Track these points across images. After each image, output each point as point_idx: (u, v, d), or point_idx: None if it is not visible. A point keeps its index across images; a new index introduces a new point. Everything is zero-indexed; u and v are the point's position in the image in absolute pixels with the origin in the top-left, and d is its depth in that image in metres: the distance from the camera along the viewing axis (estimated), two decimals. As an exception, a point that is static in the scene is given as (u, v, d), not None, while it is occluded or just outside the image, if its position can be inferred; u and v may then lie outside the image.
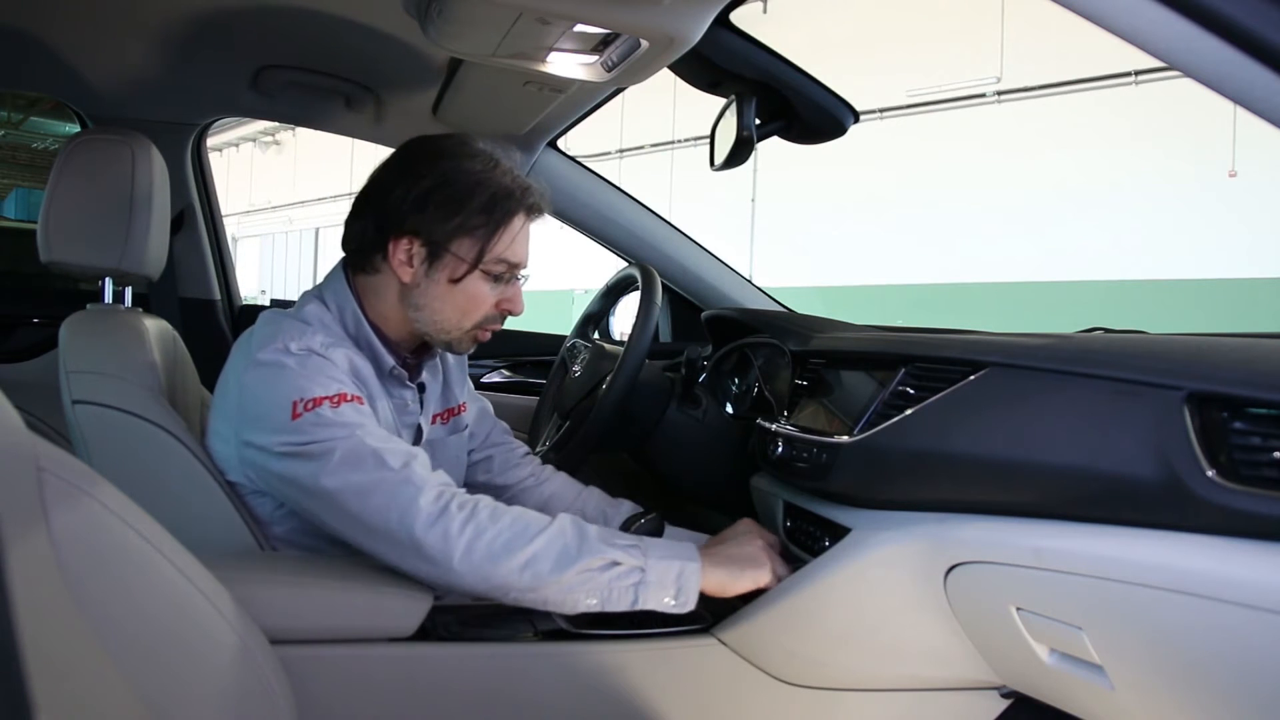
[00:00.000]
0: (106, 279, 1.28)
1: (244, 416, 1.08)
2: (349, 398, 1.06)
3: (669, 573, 1.03)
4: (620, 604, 1.02)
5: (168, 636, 0.74)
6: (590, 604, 1.01)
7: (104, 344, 1.17)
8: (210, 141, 1.90)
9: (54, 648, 0.54)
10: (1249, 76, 0.60)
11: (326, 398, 1.04)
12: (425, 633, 1.04)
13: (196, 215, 1.82)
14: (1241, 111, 0.63)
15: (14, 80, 1.74)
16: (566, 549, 1.00)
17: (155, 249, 1.25)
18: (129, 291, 1.38)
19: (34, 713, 0.41)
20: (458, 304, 1.16)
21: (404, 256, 1.14)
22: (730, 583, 1.07)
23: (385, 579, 1.03)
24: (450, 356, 1.34)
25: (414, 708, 1.02)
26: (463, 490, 1.05)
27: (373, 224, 1.16)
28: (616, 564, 1.02)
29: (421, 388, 1.27)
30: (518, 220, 1.17)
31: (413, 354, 1.25)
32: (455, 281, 1.15)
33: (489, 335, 1.22)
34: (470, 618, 1.11)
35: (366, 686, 1.00)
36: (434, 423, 1.30)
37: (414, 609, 1.02)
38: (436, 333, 1.19)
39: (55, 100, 1.73)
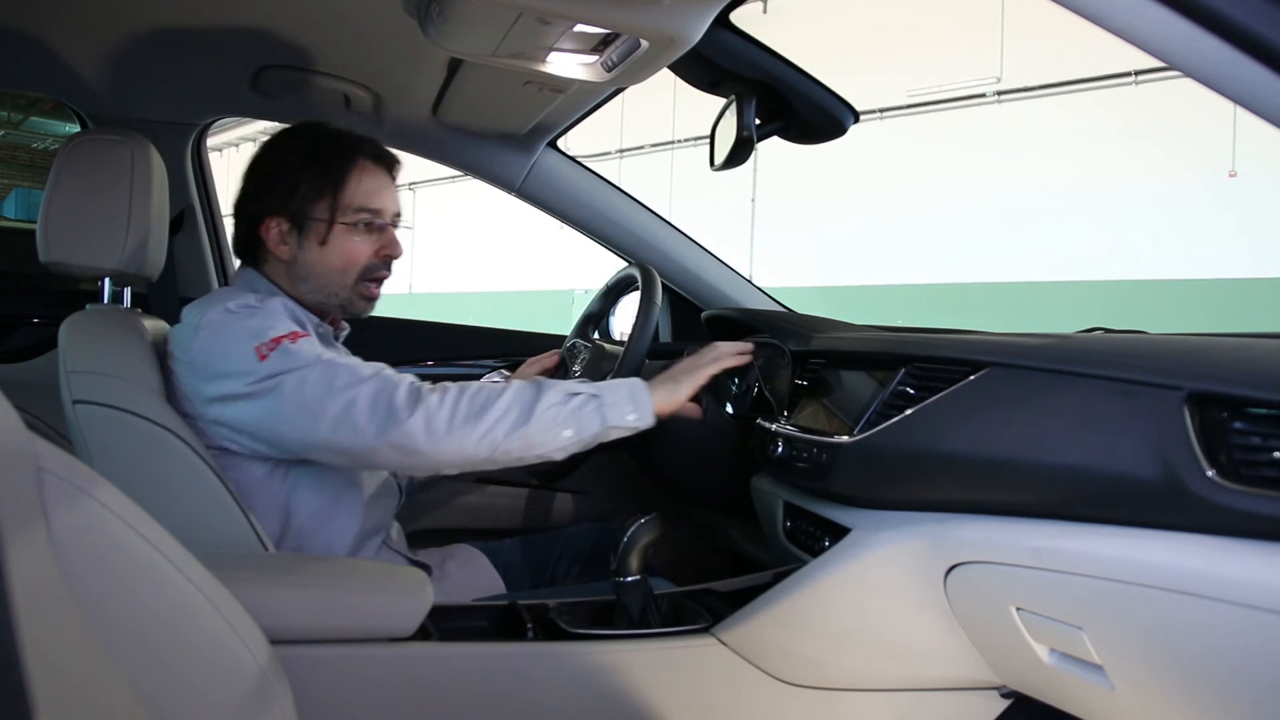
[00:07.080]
0: (105, 279, 1.28)
1: (205, 375, 1.12)
2: (302, 334, 1.12)
3: (621, 391, 1.15)
4: (590, 427, 1.11)
5: (168, 636, 0.74)
6: (566, 435, 1.10)
7: (104, 344, 1.17)
8: (210, 141, 1.89)
9: (54, 648, 0.54)
10: (1249, 76, 0.60)
11: (284, 335, 1.10)
12: (425, 633, 1.04)
13: (196, 215, 1.82)
14: (1241, 111, 0.62)
15: (14, 80, 1.74)
16: (526, 398, 1.10)
17: (154, 249, 1.25)
18: (128, 292, 1.38)
19: (34, 713, 0.41)
20: (334, 263, 1.23)
21: (276, 236, 1.22)
22: (674, 392, 1.19)
23: (385, 579, 1.03)
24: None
25: (414, 708, 1.02)
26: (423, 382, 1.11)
27: (246, 221, 1.25)
28: (575, 394, 1.12)
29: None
30: (360, 168, 1.23)
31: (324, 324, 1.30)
32: (324, 243, 1.22)
33: (378, 290, 1.27)
34: (470, 618, 1.11)
35: (366, 686, 1.00)
36: None
37: (414, 609, 1.02)
38: (327, 298, 1.25)
39: (55, 100, 1.73)
